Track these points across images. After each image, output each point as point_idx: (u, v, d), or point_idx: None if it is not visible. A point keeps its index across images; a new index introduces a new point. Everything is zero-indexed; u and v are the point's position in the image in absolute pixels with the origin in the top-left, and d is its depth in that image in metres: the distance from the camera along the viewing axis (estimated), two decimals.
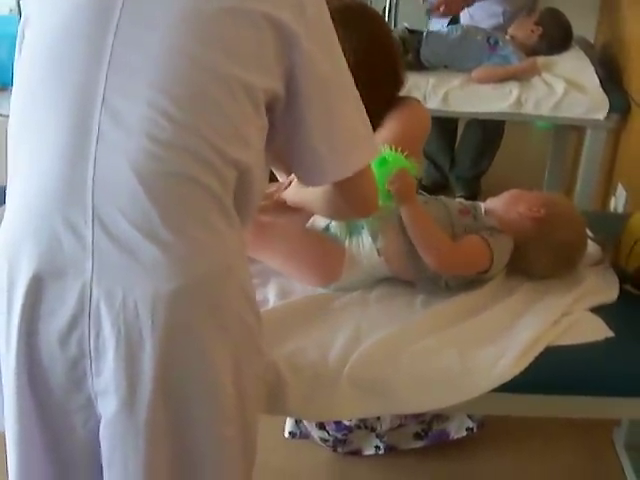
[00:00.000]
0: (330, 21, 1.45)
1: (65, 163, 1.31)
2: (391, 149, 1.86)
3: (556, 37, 4.00)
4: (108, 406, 1.37)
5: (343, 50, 1.46)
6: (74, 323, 1.33)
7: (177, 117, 1.29)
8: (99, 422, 1.39)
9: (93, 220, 1.30)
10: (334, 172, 1.48)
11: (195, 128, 1.31)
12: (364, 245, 1.91)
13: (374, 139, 1.57)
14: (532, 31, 3.93)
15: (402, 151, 1.85)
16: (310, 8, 1.39)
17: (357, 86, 1.49)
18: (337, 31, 1.46)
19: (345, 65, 1.47)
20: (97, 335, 1.33)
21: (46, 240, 1.32)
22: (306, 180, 1.54)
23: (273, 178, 2.33)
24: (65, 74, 1.34)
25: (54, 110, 1.33)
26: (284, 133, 1.45)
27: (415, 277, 1.91)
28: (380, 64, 2.16)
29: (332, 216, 1.85)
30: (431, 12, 4.19)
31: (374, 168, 1.83)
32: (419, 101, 2.35)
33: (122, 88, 1.31)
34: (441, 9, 4.08)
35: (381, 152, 1.85)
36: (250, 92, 1.34)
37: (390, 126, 2.16)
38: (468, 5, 4.14)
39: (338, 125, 1.45)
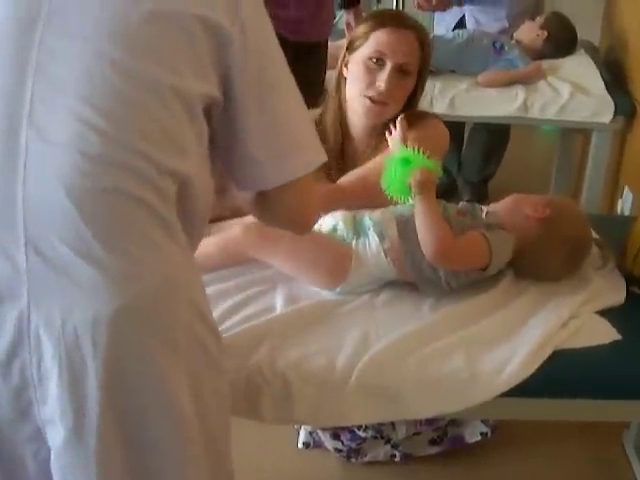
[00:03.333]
0: (268, 20, 1.40)
1: None
2: (413, 150, 1.92)
3: (561, 41, 4.01)
4: (56, 436, 1.31)
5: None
6: (14, 351, 1.27)
7: (106, 130, 1.24)
8: (50, 453, 1.34)
9: (25, 244, 1.24)
10: (273, 177, 1.43)
11: (126, 140, 1.25)
12: (371, 246, 1.91)
13: (318, 141, 1.51)
14: (537, 35, 3.94)
15: (424, 152, 1.91)
16: (246, 8, 1.34)
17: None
18: None
19: (286, 67, 1.43)
20: (39, 363, 1.27)
21: None
22: (243, 185, 1.48)
23: None
24: None
25: None
26: (222, 138, 1.41)
27: (415, 278, 1.91)
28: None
29: (268, 224, 1.74)
30: (420, 7, 4.20)
31: (397, 166, 1.89)
32: (438, 118, 2.38)
33: (48, 102, 1.25)
34: (434, 1, 4.12)
35: (404, 152, 1.93)
36: (184, 98, 1.30)
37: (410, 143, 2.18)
38: (459, 4, 4.17)
39: (278, 129, 1.41)
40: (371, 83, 2.22)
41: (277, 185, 1.44)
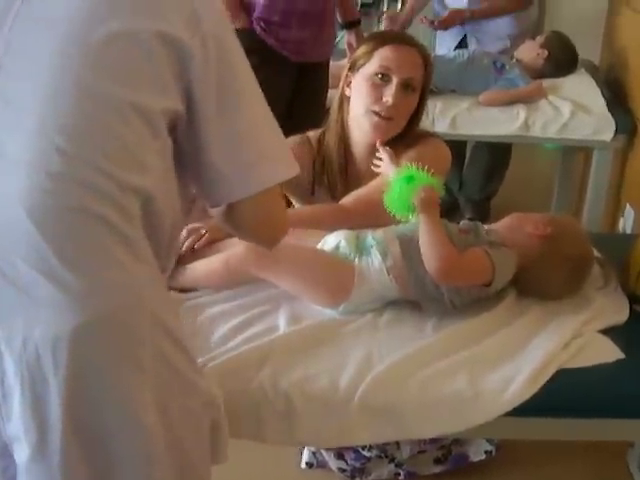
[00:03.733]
0: (232, 32, 1.40)
1: None
2: (417, 168, 1.94)
3: (562, 60, 4.02)
4: (22, 452, 1.31)
5: None
6: None
7: (66, 148, 1.24)
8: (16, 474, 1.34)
9: None
10: (239, 190, 1.41)
11: (86, 158, 1.24)
12: (373, 264, 1.91)
13: (289, 155, 1.48)
14: (538, 54, 3.95)
15: (428, 170, 1.93)
16: (207, 20, 1.34)
17: None
18: None
19: (252, 78, 1.42)
20: (2, 379, 1.28)
21: None
22: (212, 199, 1.45)
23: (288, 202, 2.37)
24: None
25: None
26: (188, 152, 1.39)
27: (418, 296, 1.91)
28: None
29: (242, 239, 1.76)
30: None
31: (400, 185, 1.90)
32: (441, 138, 2.40)
33: (8, 121, 1.26)
34: (435, 23, 4.17)
35: (408, 170, 1.95)
36: (145, 115, 1.29)
37: (412, 159, 2.19)
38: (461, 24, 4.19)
39: (242, 140, 1.39)
40: (377, 99, 2.25)
41: (243, 197, 1.41)
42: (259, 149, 1.41)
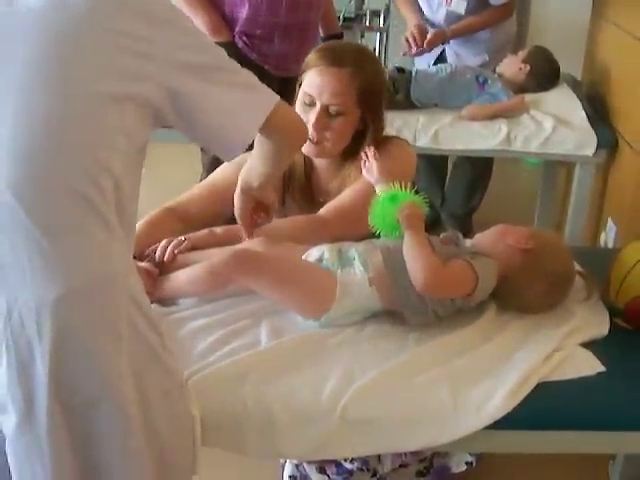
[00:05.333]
0: (183, 16, 1.49)
1: None
2: (400, 187, 1.96)
3: (544, 74, 4.03)
4: (9, 421, 1.38)
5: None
6: None
7: (48, 133, 1.32)
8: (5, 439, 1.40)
9: None
10: (253, 119, 1.55)
11: (67, 140, 1.33)
12: (356, 275, 1.92)
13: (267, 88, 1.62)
14: (520, 69, 3.96)
15: (411, 188, 1.96)
16: (160, 14, 1.42)
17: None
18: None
19: (209, 43, 1.52)
20: None
21: None
22: (234, 146, 1.57)
23: None
24: None
25: None
26: (185, 128, 1.52)
27: (402, 306, 1.92)
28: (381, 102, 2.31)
29: (286, 154, 1.86)
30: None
31: (384, 203, 1.91)
32: (405, 140, 2.40)
33: None
34: (412, 52, 4.10)
35: (389, 190, 1.98)
36: (116, 99, 1.36)
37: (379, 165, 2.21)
38: (443, 43, 4.16)
39: (230, 90, 1.52)
40: (305, 122, 2.20)
41: (259, 124, 1.56)
42: (246, 85, 1.58)
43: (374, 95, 2.28)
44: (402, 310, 1.93)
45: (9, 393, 1.36)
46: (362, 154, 2.13)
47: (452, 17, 4.10)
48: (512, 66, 3.99)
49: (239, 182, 1.94)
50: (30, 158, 1.31)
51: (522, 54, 4.03)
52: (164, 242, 2.06)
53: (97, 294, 1.37)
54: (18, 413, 1.36)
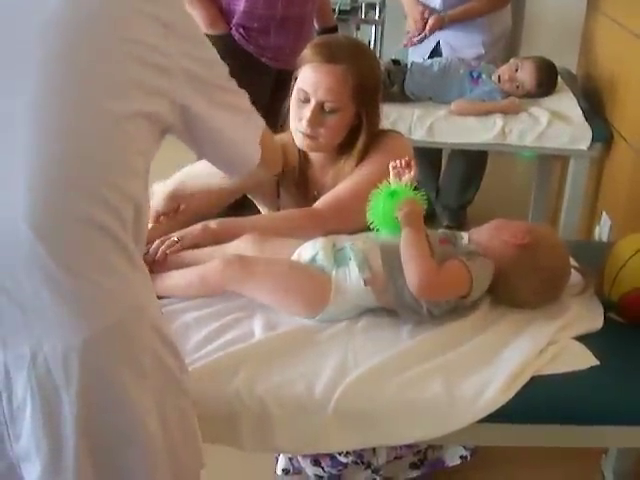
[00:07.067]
0: (198, 28, 1.48)
1: None
2: (400, 183, 1.96)
3: (549, 86, 3.92)
4: (32, 471, 1.31)
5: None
6: None
7: (66, 159, 1.26)
8: None
9: None
10: (254, 144, 1.64)
11: (88, 168, 1.27)
12: (351, 275, 1.91)
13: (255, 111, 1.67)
14: (517, 87, 3.78)
15: (410, 185, 1.95)
16: (177, 24, 1.39)
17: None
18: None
19: (215, 58, 1.52)
20: (9, 398, 1.28)
21: None
22: (241, 167, 1.67)
23: None
24: None
25: None
26: (195, 145, 1.55)
27: (397, 306, 1.91)
28: (377, 98, 2.31)
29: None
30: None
31: (384, 200, 1.90)
32: (400, 133, 2.40)
33: (4, 138, 1.26)
34: (414, 39, 4.13)
35: (391, 186, 1.96)
36: (131, 119, 1.32)
37: (374, 158, 2.22)
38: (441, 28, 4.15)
39: (231, 113, 1.55)
40: (300, 118, 2.23)
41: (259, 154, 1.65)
42: (240, 110, 1.61)
43: (369, 91, 2.27)
44: (396, 308, 1.93)
45: (33, 441, 1.30)
46: (395, 162, 2.04)
47: (449, 3, 4.09)
48: (509, 83, 3.78)
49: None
50: (47, 187, 1.24)
51: (526, 67, 3.82)
52: (157, 242, 2.05)
53: (124, 330, 1.31)
54: (43, 462, 1.30)
